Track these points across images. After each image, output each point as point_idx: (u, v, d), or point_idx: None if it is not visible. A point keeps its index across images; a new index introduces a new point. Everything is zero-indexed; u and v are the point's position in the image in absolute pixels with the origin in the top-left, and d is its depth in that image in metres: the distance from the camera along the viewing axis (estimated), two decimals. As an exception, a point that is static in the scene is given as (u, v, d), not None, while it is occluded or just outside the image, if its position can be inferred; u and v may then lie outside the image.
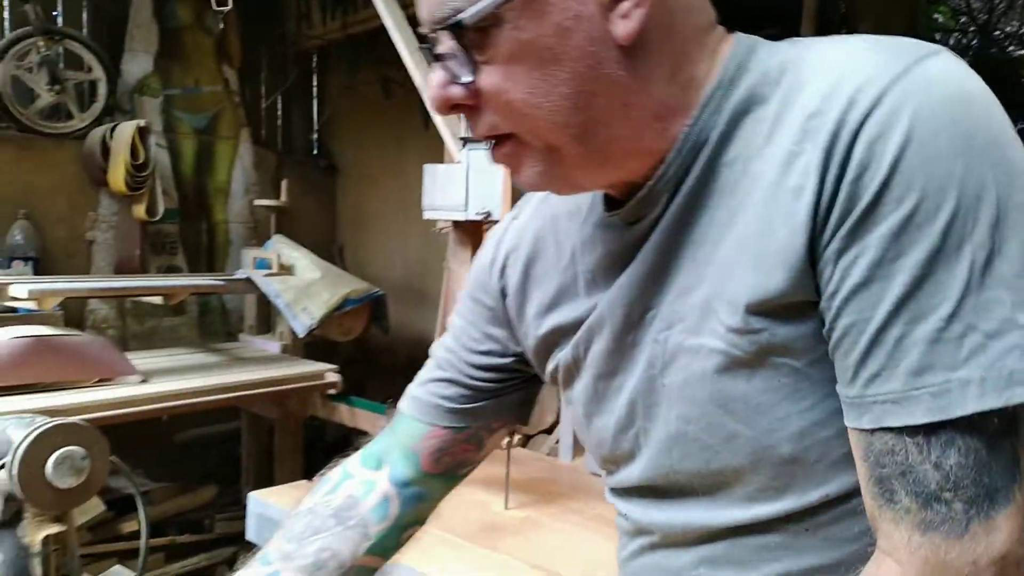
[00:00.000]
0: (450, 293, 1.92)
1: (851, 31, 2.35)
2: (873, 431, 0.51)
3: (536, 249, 0.73)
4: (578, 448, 1.94)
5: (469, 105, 0.58)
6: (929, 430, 0.49)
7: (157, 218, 3.11)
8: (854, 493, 0.56)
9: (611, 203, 0.65)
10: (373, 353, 3.60)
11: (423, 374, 0.82)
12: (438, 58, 0.57)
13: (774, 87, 0.56)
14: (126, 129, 2.95)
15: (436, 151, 3.33)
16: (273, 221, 3.24)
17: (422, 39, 0.58)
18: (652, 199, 0.60)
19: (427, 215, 1.77)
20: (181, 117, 3.41)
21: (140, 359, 2.50)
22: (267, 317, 3.12)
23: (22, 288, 2.21)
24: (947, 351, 0.48)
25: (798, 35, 2.13)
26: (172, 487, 2.94)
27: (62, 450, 0.86)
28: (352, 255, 3.95)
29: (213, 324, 3.48)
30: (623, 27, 0.54)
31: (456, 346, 0.80)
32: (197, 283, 2.79)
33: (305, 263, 2.96)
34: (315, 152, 4.06)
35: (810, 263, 0.53)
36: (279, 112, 3.93)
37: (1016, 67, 2.89)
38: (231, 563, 2.91)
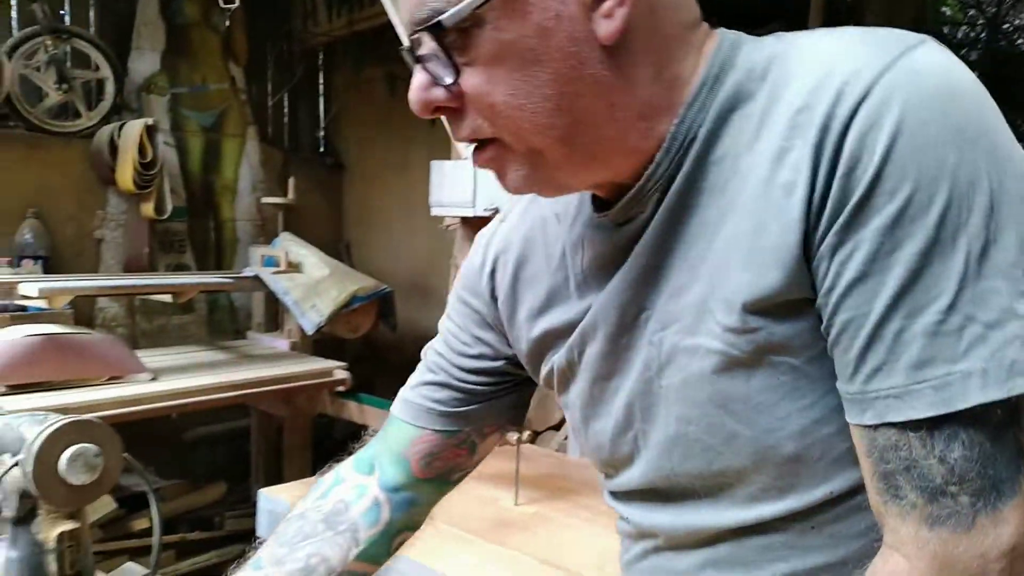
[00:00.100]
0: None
1: (858, 24, 2.33)
2: (876, 427, 0.51)
3: (525, 251, 0.72)
4: (587, 444, 1.94)
5: (451, 108, 0.57)
6: (932, 424, 0.48)
7: (165, 216, 3.13)
8: (859, 489, 0.55)
9: (599, 204, 0.64)
10: (381, 350, 3.61)
11: (414, 377, 0.81)
12: (419, 60, 0.56)
13: (760, 83, 0.56)
14: (134, 127, 2.96)
15: (442, 147, 3.34)
16: (280, 219, 3.25)
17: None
18: (642, 199, 0.59)
19: (435, 212, 1.77)
20: (188, 115, 3.42)
21: (149, 357, 2.51)
22: (275, 314, 3.13)
23: (32, 287, 2.22)
24: (947, 343, 0.48)
25: (805, 29, 2.13)
26: (182, 484, 2.95)
27: (76, 447, 0.86)
28: (359, 252, 3.95)
29: (222, 322, 3.49)
30: (606, 26, 0.53)
31: (446, 350, 0.79)
32: (206, 281, 2.81)
33: (313, 260, 2.97)
34: (321, 149, 4.07)
35: (805, 260, 0.52)
36: (285, 109, 3.94)
37: (1025, 60, 2.87)
38: (241, 560, 2.91)
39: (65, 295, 2.32)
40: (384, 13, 3.32)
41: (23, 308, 2.41)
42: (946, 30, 2.88)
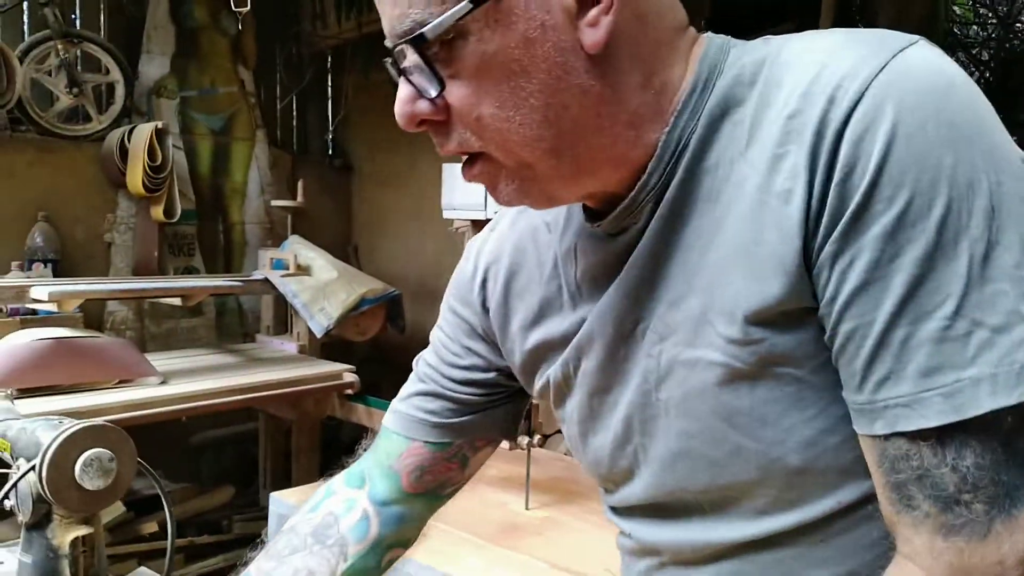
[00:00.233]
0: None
1: (869, 23, 2.33)
2: (886, 437, 0.50)
3: (516, 261, 0.71)
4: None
5: (437, 121, 0.56)
6: (943, 432, 0.48)
7: (175, 219, 3.13)
8: (868, 499, 0.55)
9: (591, 213, 0.63)
10: (388, 352, 3.60)
11: (406, 388, 0.80)
12: (402, 72, 0.55)
13: (749, 88, 0.55)
14: (144, 131, 2.97)
15: (451, 150, 3.33)
16: (289, 221, 3.25)
17: (386, 53, 0.56)
18: (635, 209, 0.59)
19: (447, 215, 1.77)
20: (197, 118, 3.43)
21: (159, 360, 2.51)
22: (284, 317, 3.13)
23: (43, 290, 2.23)
24: (955, 350, 0.47)
25: (816, 29, 2.11)
26: (190, 488, 2.96)
27: (90, 452, 0.86)
28: (367, 255, 3.95)
29: (230, 325, 3.50)
30: (591, 35, 0.52)
31: (437, 361, 0.78)
32: (215, 284, 2.81)
33: (322, 263, 2.97)
34: (330, 152, 4.07)
35: (806, 268, 0.51)
36: (294, 112, 3.94)
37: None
38: (240, 567, 2.91)
39: (75, 299, 2.32)
40: (392, 16, 3.33)
41: (33, 312, 2.42)
42: (957, 29, 2.86)
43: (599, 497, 1.70)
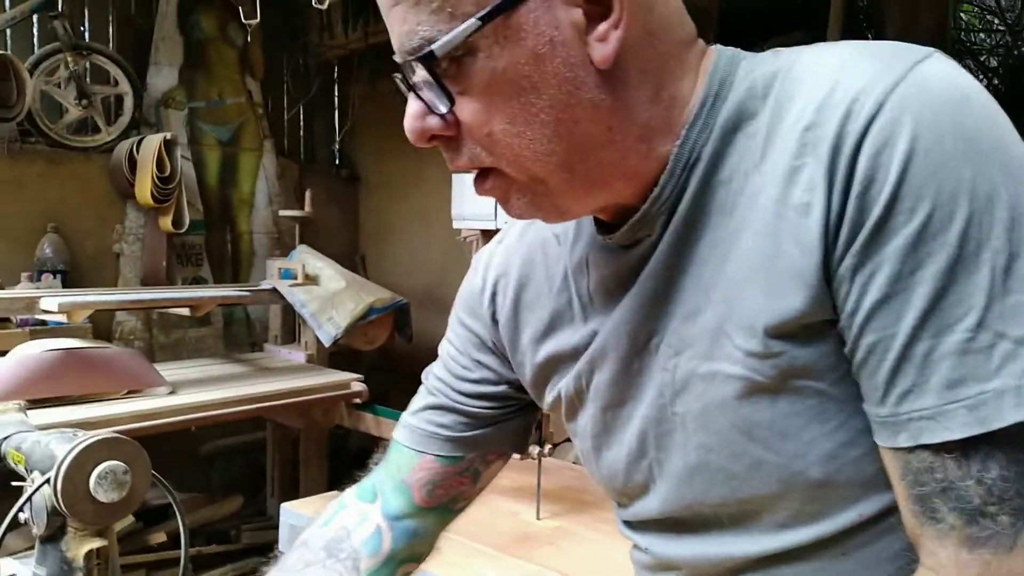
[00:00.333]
0: (477, 302, 1.92)
1: (878, 33, 2.32)
2: (910, 449, 0.50)
3: (526, 274, 0.71)
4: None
5: (448, 136, 0.56)
6: (968, 445, 0.48)
7: (183, 230, 3.14)
8: (889, 510, 0.54)
9: (602, 225, 0.63)
10: (396, 361, 3.60)
11: (415, 402, 0.80)
12: (412, 88, 0.55)
13: (762, 101, 0.55)
14: (152, 142, 2.99)
15: (458, 160, 3.34)
16: (297, 231, 3.26)
17: (393, 64, 0.56)
18: (648, 222, 0.58)
19: (456, 225, 1.77)
20: (205, 129, 3.44)
21: (167, 370, 2.52)
22: (292, 327, 3.13)
23: (53, 301, 2.23)
24: (978, 362, 0.47)
25: (825, 39, 2.12)
26: (199, 498, 2.96)
27: (105, 464, 0.86)
28: (374, 264, 3.96)
29: (238, 335, 3.50)
30: (601, 50, 0.52)
31: (446, 374, 0.78)
32: (224, 294, 2.81)
33: (330, 273, 2.98)
34: (337, 162, 4.08)
35: (825, 281, 0.51)
36: (301, 123, 3.96)
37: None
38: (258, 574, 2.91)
39: (85, 310, 2.33)
40: (399, 26, 3.34)
41: (43, 322, 2.43)
42: (963, 36, 2.86)
43: (609, 506, 1.69)
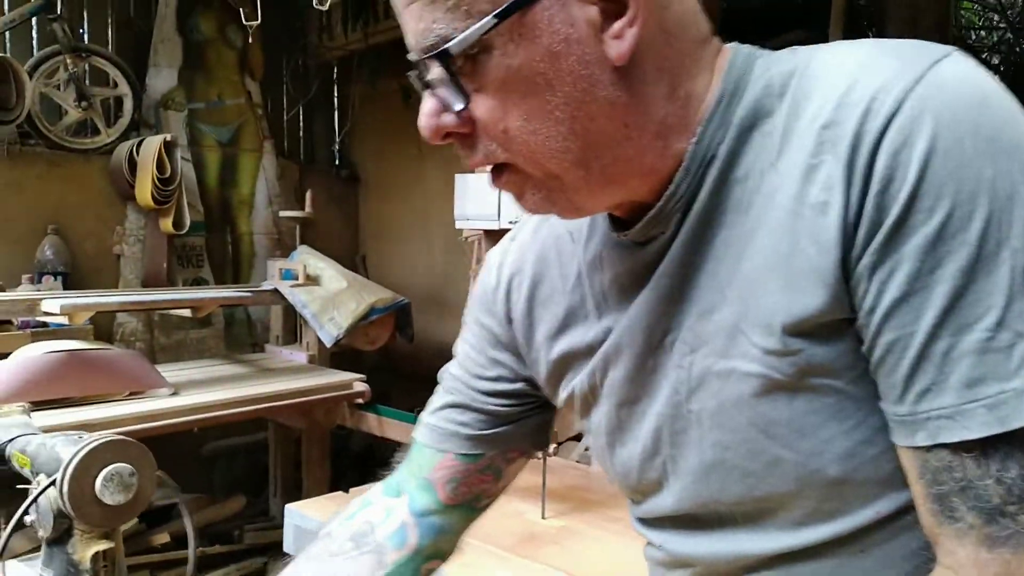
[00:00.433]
0: (480, 302, 1.92)
1: (879, 31, 2.32)
2: (928, 448, 0.50)
3: (540, 271, 0.71)
4: (610, 456, 1.93)
5: (463, 133, 0.56)
6: (987, 444, 0.48)
7: (184, 231, 3.14)
8: (907, 508, 0.54)
9: (617, 222, 0.63)
10: (397, 361, 3.60)
11: (434, 401, 0.80)
12: (427, 86, 0.55)
13: (778, 99, 0.55)
14: (152, 143, 2.98)
15: (457, 160, 3.33)
16: (298, 232, 3.26)
17: (399, 63, 0.56)
18: (663, 219, 0.58)
19: (459, 225, 1.77)
20: (205, 130, 3.44)
21: (169, 371, 2.52)
22: (293, 328, 3.13)
23: (54, 303, 2.23)
24: (998, 361, 0.47)
25: (826, 37, 2.12)
26: (201, 498, 2.95)
27: (111, 467, 0.86)
28: (375, 264, 3.96)
29: (239, 335, 3.50)
30: (616, 47, 0.52)
31: (462, 372, 0.78)
32: (226, 295, 2.81)
33: (331, 273, 2.97)
34: (337, 162, 4.08)
35: (843, 280, 0.51)
36: (301, 123, 3.96)
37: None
38: (261, 574, 2.92)
39: (87, 311, 2.33)
40: (399, 27, 3.33)
41: (44, 324, 2.43)
42: (964, 35, 2.86)
43: (615, 505, 1.69)
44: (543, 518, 1.59)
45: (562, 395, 0.72)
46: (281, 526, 1.72)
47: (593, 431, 0.70)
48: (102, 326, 2.95)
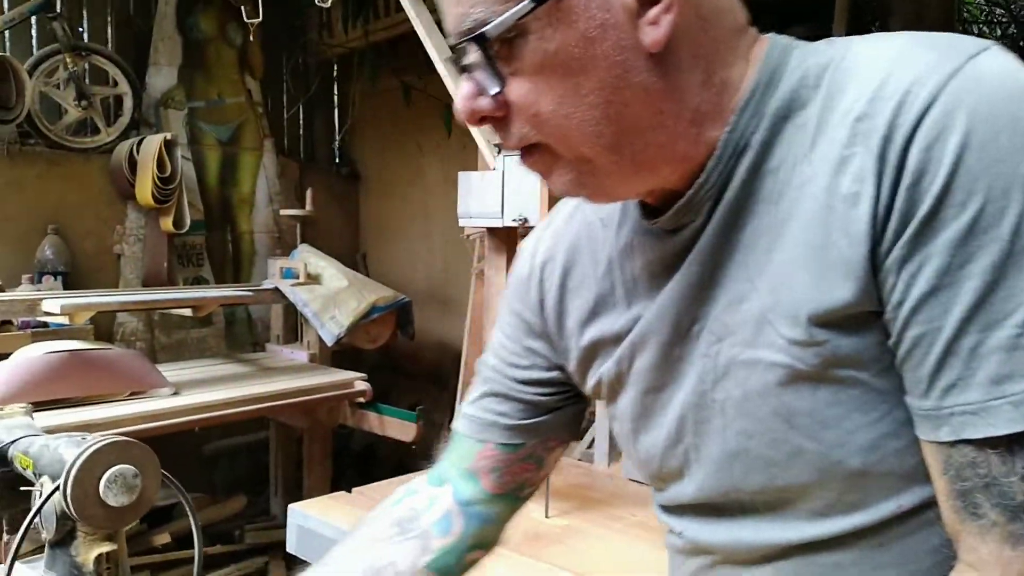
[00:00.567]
0: (483, 300, 1.91)
1: (883, 26, 2.31)
2: (952, 444, 0.50)
3: (571, 259, 0.71)
4: (614, 454, 1.92)
5: (498, 117, 0.56)
6: (1012, 440, 0.47)
7: (184, 230, 3.13)
8: (929, 504, 0.54)
9: (647, 210, 0.63)
10: (398, 360, 3.60)
11: (473, 392, 0.80)
12: (465, 70, 0.56)
13: (813, 90, 0.55)
14: (152, 142, 2.98)
15: (457, 157, 3.35)
16: (298, 230, 3.25)
17: (451, 50, 0.57)
18: (694, 207, 0.59)
19: (462, 223, 1.76)
20: (205, 129, 3.43)
21: (169, 371, 2.51)
22: (294, 326, 3.13)
23: (55, 303, 2.22)
24: None
25: (830, 32, 2.11)
26: (202, 498, 2.95)
27: (115, 468, 0.85)
28: (375, 262, 3.95)
29: (240, 334, 3.50)
30: (652, 34, 0.52)
31: (498, 362, 0.78)
32: (227, 294, 2.81)
33: (332, 272, 2.97)
34: (337, 160, 4.07)
35: (872, 272, 0.51)
36: (301, 121, 3.95)
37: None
38: (262, 574, 2.91)
39: (87, 311, 2.32)
40: (399, 24, 3.33)
41: (44, 324, 2.42)
42: (970, 29, 2.85)
43: (618, 503, 1.68)
44: (547, 517, 1.59)
45: (590, 382, 0.72)
46: (282, 526, 1.72)
47: (618, 417, 0.71)
48: (102, 326, 2.94)
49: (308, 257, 3.01)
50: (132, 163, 2.99)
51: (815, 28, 1.92)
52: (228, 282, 3.45)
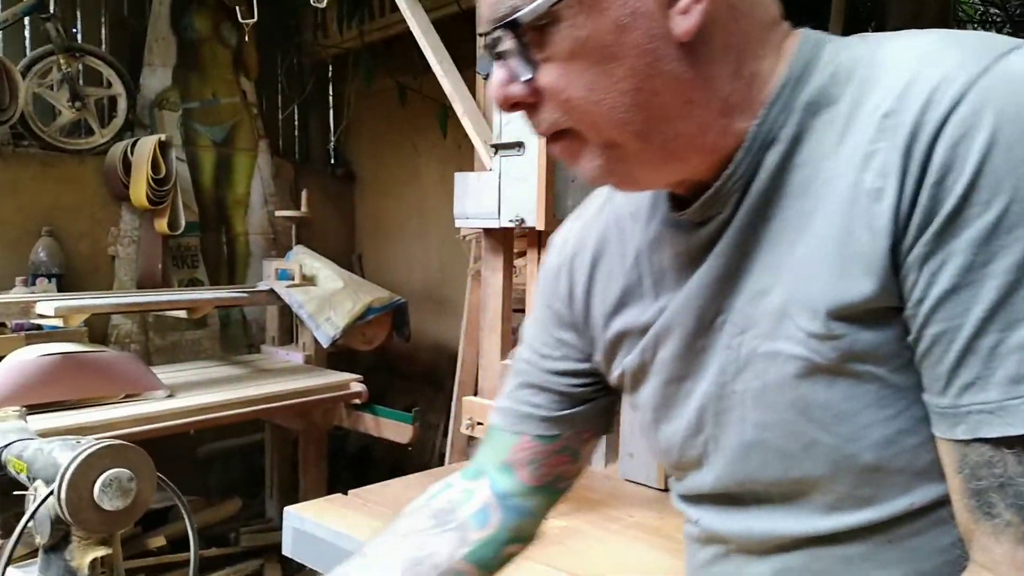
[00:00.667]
0: (479, 301, 1.91)
1: (879, 26, 2.31)
2: (968, 442, 0.50)
3: (600, 250, 0.72)
4: (611, 454, 1.92)
5: (529, 103, 0.58)
6: None
7: (179, 232, 3.12)
8: (941, 502, 0.54)
9: (676, 202, 0.64)
10: (393, 362, 3.59)
11: (508, 386, 0.81)
12: (499, 57, 0.57)
13: (844, 86, 0.55)
14: (147, 144, 2.96)
15: (454, 158, 3.34)
16: (294, 231, 3.24)
17: (485, 36, 0.58)
18: (721, 199, 0.59)
19: (458, 223, 1.76)
20: (200, 130, 3.42)
21: (164, 373, 2.50)
22: (289, 328, 3.12)
23: (49, 306, 2.21)
24: None
25: (825, 29, 2.10)
26: (197, 501, 2.94)
27: (109, 472, 0.84)
28: (371, 263, 3.94)
29: (235, 336, 3.48)
30: (683, 23, 0.53)
31: (531, 354, 0.79)
32: (222, 296, 2.80)
33: (327, 273, 2.96)
34: (332, 161, 4.06)
35: (893, 268, 0.51)
36: (296, 122, 3.94)
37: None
38: (258, 576, 2.90)
39: (82, 313, 2.31)
40: (395, 24, 3.33)
41: (38, 327, 2.41)
42: (968, 29, 2.85)
43: (616, 504, 1.67)
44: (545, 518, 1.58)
45: (614, 373, 0.73)
46: (278, 528, 1.71)
47: (640, 406, 0.72)
48: (97, 328, 2.93)
49: (303, 258, 3.00)
50: (126, 164, 2.97)
51: (811, 28, 1.91)
52: (223, 284, 3.43)
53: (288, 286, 2.85)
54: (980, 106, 0.48)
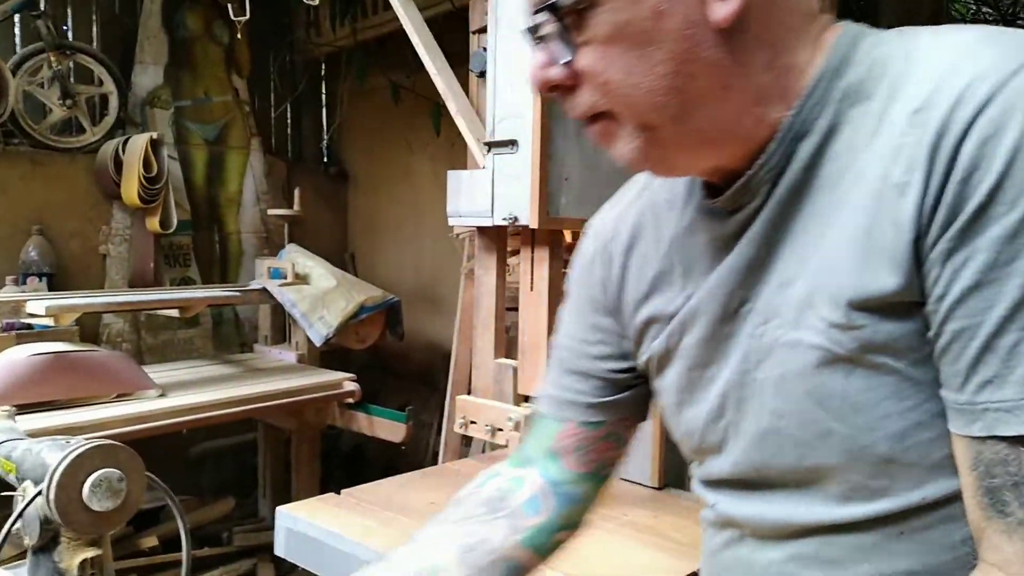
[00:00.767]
0: (472, 299, 1.90)
1: (873, 23, 2.31)
2: (984, 439, 0.50)
3: (635, 236, 0.73)
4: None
5: (567, 86, 0.59)
6: None
7: (171, 230, 3.10)
8: (954, 498, 0.55)
9: (711, 191, 0.65)
10: (387, 360, 3.58)
11: (551, 375, 0.81)
12: (540, 40, 0.58)
13: (879, 81, 0.56)
14: (138, 142, 2.95)
15: (447, 156, 3.33)
16: (286, 230, 3.23)
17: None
18: (752, 188, 0.60)
19: (452, 222, 1.75)
20: (192, 128, 3.40)
21: (156, 372, 2.49)
22: (282, 327, 3.11)
23: (40, 305, 2.20)
24: None
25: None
26: (190, 501, 2.93)
27: (99, 472, 0.84)
28: (364, 262, 3.94)
29: (227, 335, 3.47)
30: (721, 10, 0.53)
31: (571, 342, 0.80)
32: (214, 295, 2.78)
33: (320, 272, 2.95)
34: (325, 159, 4.05)
35: (915, 263, 0.52)
36: (288, 120, 3.92)
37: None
38: (251, 576, 2.89)
39: (73, 312, 2.30)
40: (388, 22, 3.32)
41: (29, 326, 2.39)
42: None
43: (614, 504, 1.67)
44: (538, 518, 1.58)
45: (642, 358, 0.74)
46: (271, 528, 1.70)
47: (664, 391, 0.73)
48: (88, 327, 2.92)
49: (296, 257, 2.99)
50: (118, 163, 2.96)
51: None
52: (215, 282, 3.42)
53: (281, 285, 2.84)
54: (1011, 105, 0.48)
